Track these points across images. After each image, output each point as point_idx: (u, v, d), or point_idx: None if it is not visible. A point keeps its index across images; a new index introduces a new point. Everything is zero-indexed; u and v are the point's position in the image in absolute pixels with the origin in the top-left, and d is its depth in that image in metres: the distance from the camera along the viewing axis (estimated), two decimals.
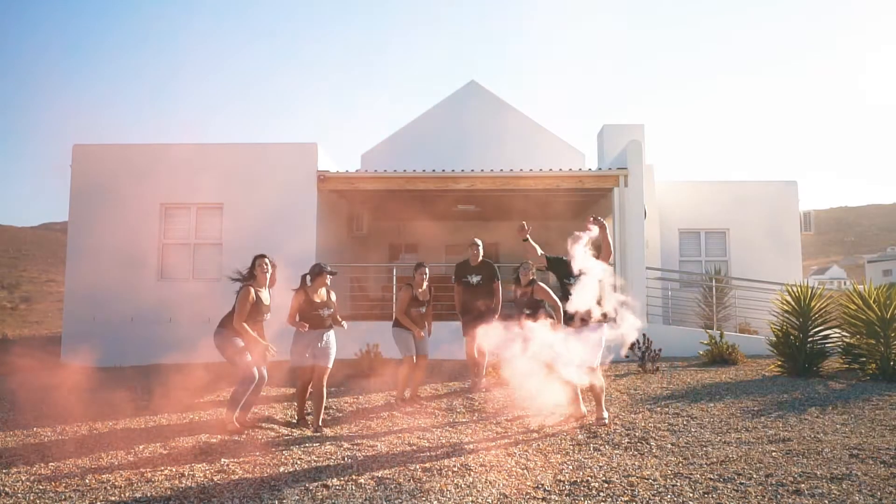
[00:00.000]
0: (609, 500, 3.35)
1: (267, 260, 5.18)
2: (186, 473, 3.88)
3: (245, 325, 4.93)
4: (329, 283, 5.28)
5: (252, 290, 5.01)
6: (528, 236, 5.15)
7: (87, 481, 3.78)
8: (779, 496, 3.34)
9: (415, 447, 4.46)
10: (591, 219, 5.05)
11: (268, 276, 5.17)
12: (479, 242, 6.64)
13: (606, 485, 3.57)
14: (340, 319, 5.29)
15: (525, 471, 3.89)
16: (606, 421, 5.07)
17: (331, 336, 5.21)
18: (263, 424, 5.13)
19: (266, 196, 9.48)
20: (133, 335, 8.95)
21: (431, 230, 13.35)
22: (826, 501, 3.25)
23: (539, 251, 5.15)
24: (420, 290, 5.99)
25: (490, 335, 5.86)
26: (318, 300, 5.13)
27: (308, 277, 5.21)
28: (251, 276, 5.10)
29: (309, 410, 5.31)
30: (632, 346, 7.96)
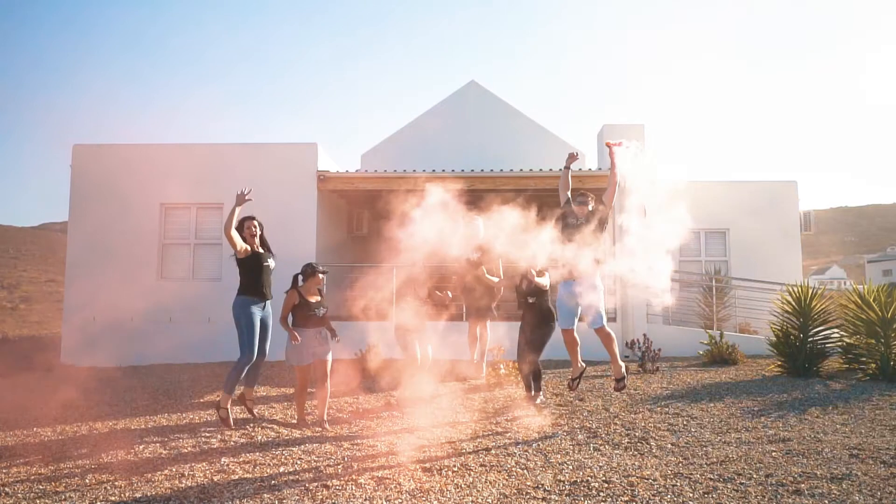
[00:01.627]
0: (609, 500, 3.36)
1: (256, 222, 5.26)
2: (186, 473, 3.88)
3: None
4: (323, 282, 5.30)
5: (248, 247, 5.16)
6: (571, 166, 5.25)
7: (87, 481, 3.79)
8: (779, 496, 3.34)
9: (415, 447, 4.47)
10: (608, 143, 5.13)
11: (257, 238, 5.24)
12: (481, 220, 6.48)
13: (606, 485, 3.58)
14: (335, 331, 5.30)
15: (525, 471, 3.89)
16: (626, 382, 5.34)
17: (327, 333, 5.22)
18: (264, 424, 5.13)
19: (266, 196, 9.47)
20: (133, 335, 8.95)
21: None
22: (826, 501, 3.26)
23: (569, 188, 5.18)
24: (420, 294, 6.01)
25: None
26: (312, 300, 5.14)
27: (300, 277, 5.23)
28: (242, 238, 5.20)
29: (309, 410, 5.32)
30: (631, 346, 7.97)
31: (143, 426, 5.18)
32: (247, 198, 5.19)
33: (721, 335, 8.25)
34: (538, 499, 3.40)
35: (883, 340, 6.69)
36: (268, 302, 5.23)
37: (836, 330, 7.31)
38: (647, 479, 3.64)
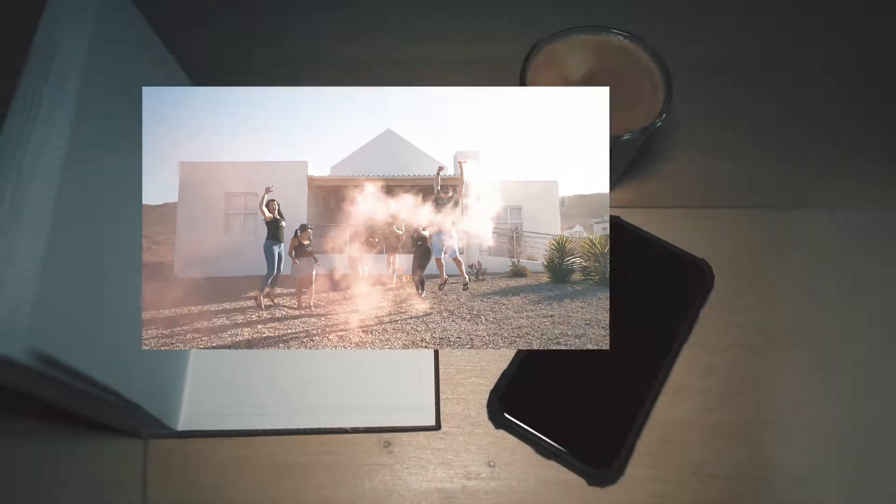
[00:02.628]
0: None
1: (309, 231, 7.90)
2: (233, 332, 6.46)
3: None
4: (310, 234, 8.34)
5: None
6: (439, 174, 8.47)
7: None
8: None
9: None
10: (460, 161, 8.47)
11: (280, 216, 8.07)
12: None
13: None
14: (317, 259, 8.34)
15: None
16: (469, 287, 7.72)
17: (312, 260, 8.29)
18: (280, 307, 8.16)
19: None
20: None
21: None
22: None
23: (438, 185, 8.59)
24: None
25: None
26: (305, 243, 8.19)
27: (297, 231, 8.17)
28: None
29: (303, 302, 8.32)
30: (471, 267, 11.98)
31: None
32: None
33: (518, 261, 12.73)
34: None
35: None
36: (281, 244, 8.26)
37: (578, 259, 12.31)
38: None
